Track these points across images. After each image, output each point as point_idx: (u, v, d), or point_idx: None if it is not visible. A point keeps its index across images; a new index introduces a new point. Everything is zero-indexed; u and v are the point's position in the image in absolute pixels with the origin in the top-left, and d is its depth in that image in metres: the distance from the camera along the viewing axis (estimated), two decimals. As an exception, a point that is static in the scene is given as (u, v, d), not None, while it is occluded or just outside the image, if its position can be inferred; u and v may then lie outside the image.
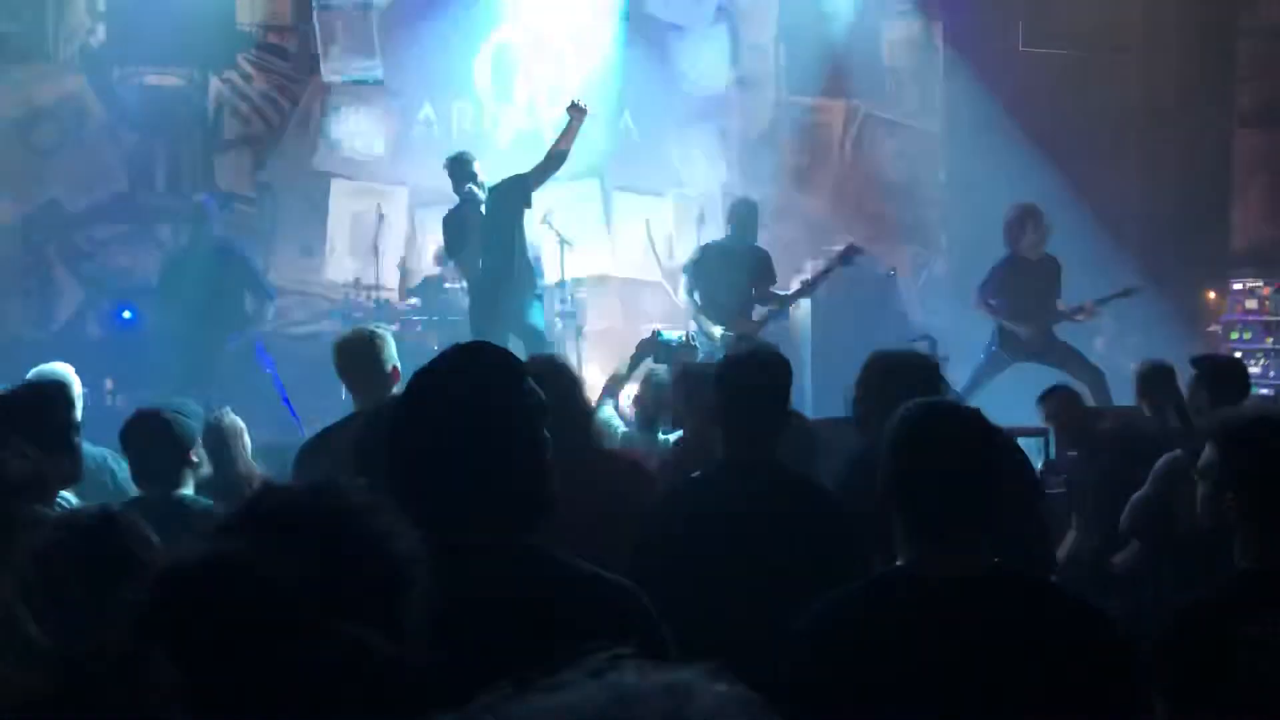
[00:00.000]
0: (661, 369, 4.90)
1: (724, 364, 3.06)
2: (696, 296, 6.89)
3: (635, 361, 4.98)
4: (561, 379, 3.28)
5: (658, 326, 5.18)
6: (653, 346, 5.05)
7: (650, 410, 4.57)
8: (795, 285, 7.25)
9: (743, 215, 7.00)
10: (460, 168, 6.52)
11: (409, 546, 1.27)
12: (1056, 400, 5.01)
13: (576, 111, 6.49)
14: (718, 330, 6.79)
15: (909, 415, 2.00)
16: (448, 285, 7.38)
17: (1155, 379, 4.69)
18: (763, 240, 7.44)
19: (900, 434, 1.98)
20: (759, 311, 6.94)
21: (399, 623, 1.23)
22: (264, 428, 5.30)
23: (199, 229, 6.91)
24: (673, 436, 4.43)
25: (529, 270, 6.70)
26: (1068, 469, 4.87)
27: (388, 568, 1.25)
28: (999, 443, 2.02)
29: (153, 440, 3.31)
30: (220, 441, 3.83)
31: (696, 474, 3.08)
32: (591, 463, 3.12)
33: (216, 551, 1.19)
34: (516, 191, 6.52)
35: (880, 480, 1.99)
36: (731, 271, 6.88)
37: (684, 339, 5.06)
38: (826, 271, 7.12)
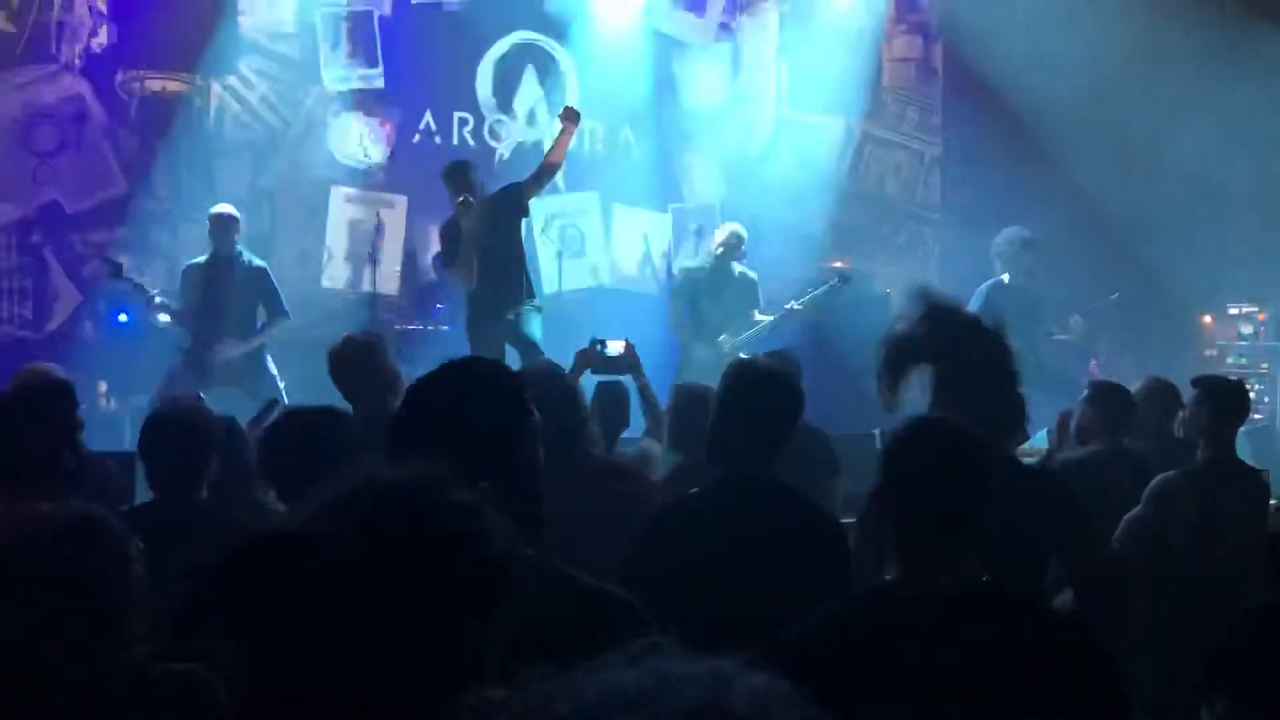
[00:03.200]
0: (616, 380, 4.78)
1: (726, 379, 3.00)
2: (685, 319, 7.06)
3: (575, 373, 4.76)
4: (557, 387, 3.27)
5: (598, 338, 5.02)
6: (593, 358, 4.90)
7: (606, 422, 4.46)
8: (789, 305, 7.30)
9: (733, 244, 7.17)
10: (457, 176, 6.52)
11: (505, 552, 1.19)
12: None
13: (569, 120, 6.51)
14: (701, 351, 6.90)
15: (902, 429, 2.02)
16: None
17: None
18: (758, 257, 7.56)
19: (892, 448, 2.00)
20: (743, 334, 7.05)
21: (486, 631, 1.16)
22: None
23: (220, 241, 6.88)
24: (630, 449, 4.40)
25: (526, 281, 6.71)
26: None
27: (485, 573, 1.17)
28: (989, 456, 2.01)
29: (180, 442, 3.20)
30: (233, 447, 3.77)
31: (695, 490, 3.05)
32: (589, 471, 3.11)
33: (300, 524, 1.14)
34: (512, 201, 6.55)
35: (872, 494, 2.01)
36: (720, 295, 7.04)
37: (624, 351, 4.95)
38: (815, 297, 7.21)
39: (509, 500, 1.68)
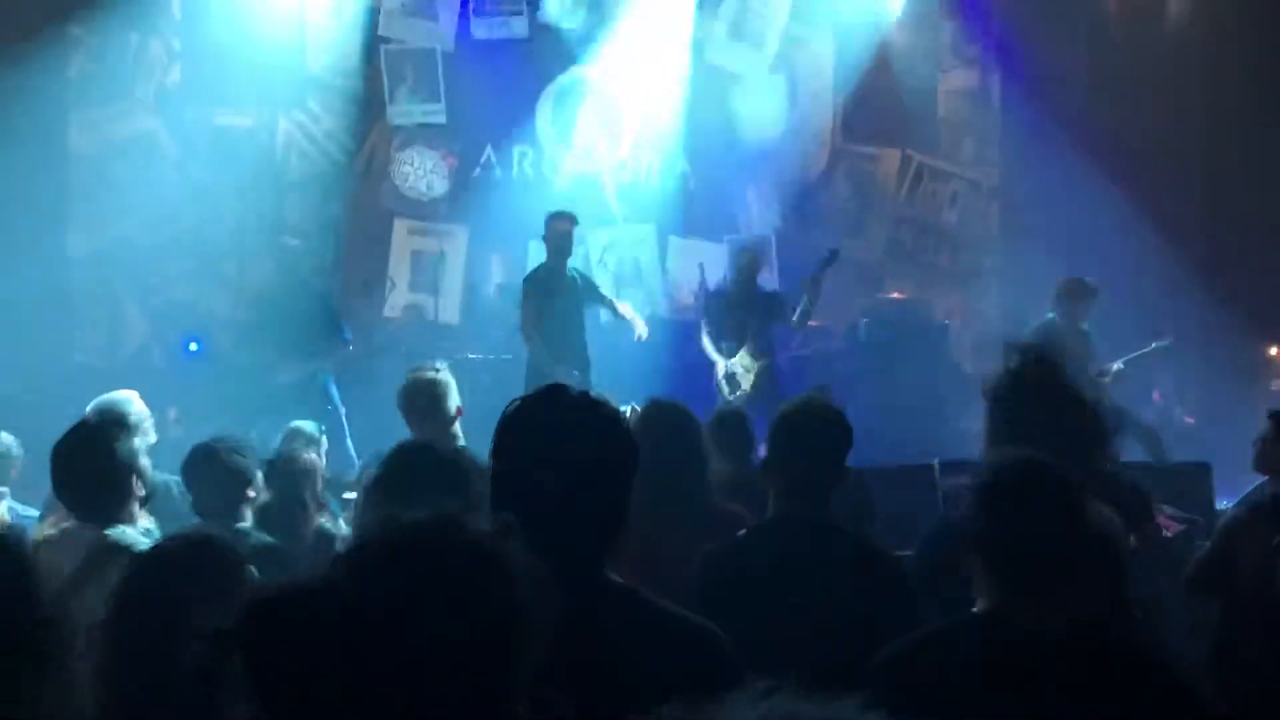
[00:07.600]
0: (734, 408, 4.89)
1: (780, 418, 2.92)
2: (709, 340, 7.34)
3: None
4: (685, 427, 3.34)
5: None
6: None
7: (730, 447, 4.49)
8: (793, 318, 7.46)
9: (742, 265, 7.51)
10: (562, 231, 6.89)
11: (530, 589, 1.18)
12: None
13: None
14: (722, 362, 7.07)
15: (998, 465, 2.05)
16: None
17: None
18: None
19: (988, 484, 2.02)
20: (764, 342, 7.37)
21: (510, 666, 1.16)
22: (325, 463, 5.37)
23: (290, 271, 7.10)
24: None
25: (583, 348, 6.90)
26: None
27: (507, 609, 1.17)
28: (1085, 499, 2.02)
29: (211, 476, 3.45)
30: (290, 475, 3.89)
31: (744, 531, 3.00)
32: (703, 512, 3.17)
33: (306, 581, 1.16)
34: (587, 289, 6.97)
35: (966, 527, 2.02)
36: (734, 314, 7.27)
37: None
38: (815, 279, 7.25)
39: (602, 527, 1.70)
